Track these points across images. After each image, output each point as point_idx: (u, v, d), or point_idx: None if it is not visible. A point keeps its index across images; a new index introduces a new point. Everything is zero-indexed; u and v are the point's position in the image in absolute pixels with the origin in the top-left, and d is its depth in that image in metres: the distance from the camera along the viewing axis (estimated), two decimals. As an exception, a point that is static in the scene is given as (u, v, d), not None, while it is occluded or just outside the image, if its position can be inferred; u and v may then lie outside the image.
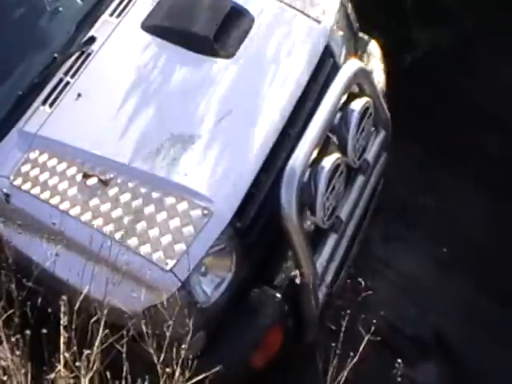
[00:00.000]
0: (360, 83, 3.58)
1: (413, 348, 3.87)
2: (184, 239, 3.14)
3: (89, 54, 3.62)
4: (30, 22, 3.65)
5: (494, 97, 4.52)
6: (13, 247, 3.29)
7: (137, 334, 2.92)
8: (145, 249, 3.14)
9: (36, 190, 3.36)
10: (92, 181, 3.31)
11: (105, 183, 3.31)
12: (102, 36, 3.65)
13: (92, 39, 3.64)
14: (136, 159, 3.33)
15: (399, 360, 2.98)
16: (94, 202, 3.27)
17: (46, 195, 3.33)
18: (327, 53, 3.66)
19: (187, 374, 2.74)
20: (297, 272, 3.34)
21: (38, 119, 3.50)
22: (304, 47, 3.60)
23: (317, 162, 3.37)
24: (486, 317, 3.99)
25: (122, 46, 3.62)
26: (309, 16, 3.66)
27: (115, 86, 3.52)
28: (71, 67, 3.59)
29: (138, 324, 2.97)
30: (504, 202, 4.25)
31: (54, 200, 3.31)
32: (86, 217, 3.24)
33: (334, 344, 2.91)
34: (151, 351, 2.78)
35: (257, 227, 3.32)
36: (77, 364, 2.67)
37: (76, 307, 2.89)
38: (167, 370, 2.72)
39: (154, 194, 3.23)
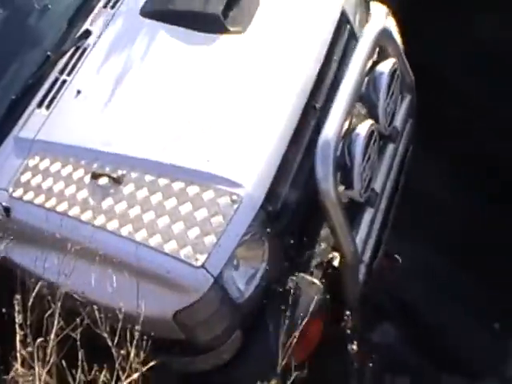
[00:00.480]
0: (383, 45, 3.27)
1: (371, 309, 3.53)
2: (213, 230, 2.74)
3: (85, 49, 3.26)
4: (19, 21, 3.32)
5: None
6: (15, 264, 2.93)
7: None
8: (170, 246, 2.74)
9: (40, 199, 2.96)
10: (103, 180, 2.92)
11: (117, 181, 2.93)
12: (98, 28, 3.30)
13: (87, 33, 3.29)
14: (151, 151, 2.94)
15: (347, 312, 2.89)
16: (108, 202, 2.87)
17: (52, 203, 2.93)
18: (343, 19, 3.33)
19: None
20: (334, 254, 2.97)
21: (35, 123, 3.12)
22: (319, 15, 3.26)
23: (349, 131, 3.05)
24: (445, 278, 3.84)
25: (122, 36, 3.26)
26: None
27: (118, 77, 3.14)
28: (67, 64, 3.23)
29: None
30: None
31: (62, 207, 2.92)
32: (100, 220, 2.84)
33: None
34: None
35: (288, 209, 2.95)
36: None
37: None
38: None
39: (175, 186, 2.84)
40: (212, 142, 2.94)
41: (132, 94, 3.11)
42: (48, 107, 3.15)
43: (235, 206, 2.79)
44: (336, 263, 2.96)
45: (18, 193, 3.01)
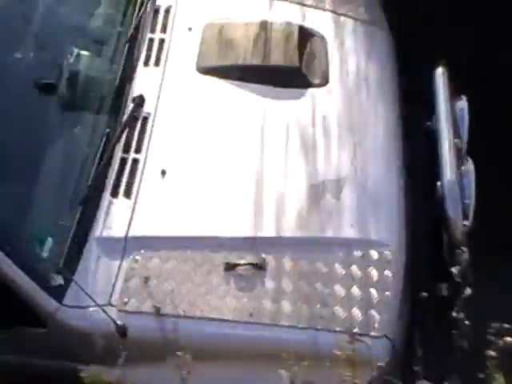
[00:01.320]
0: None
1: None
2: (380, 294, 2.49)
3: (145, 119, 2.78)
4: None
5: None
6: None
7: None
8: (341, 324, 2.44)
9: (165, 307, 2.47)
10: (243, 269, 2.53)
11: (260, 267, 2.54)
12: (151, 92, 2.85)
13: (141, 99, 2.82)
14: (282, 227, 2.60)
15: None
16: (253, 293, 2.48)
17: (177, 307, 2.45)
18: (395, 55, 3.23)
19: None
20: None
21: (120, 217, 2.60)
22: (380, 57, 3.10)
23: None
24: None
25: (185, 97, 2.83)
26: (363, 21, 3.18)
27: (202, 147, 2.72)
28: (129, 140, 2.74)
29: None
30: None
31: (195, 309, 2.47)
32: (260, 313, 2.43)
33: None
34: None
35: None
36: None
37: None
38: None
39: (322, 262, 2.52)
40: (347, 205, 2.65)
41: (228, 165, 2.70)
42: (128, 195, 2.64)
43: (389, 268, 2.57)
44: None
45: (132, 305, 2.47)
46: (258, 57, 2.91)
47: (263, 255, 2.54)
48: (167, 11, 3.13)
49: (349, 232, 2.61)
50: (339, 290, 2.52)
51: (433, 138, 2.98)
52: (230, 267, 2.51)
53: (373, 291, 2.52)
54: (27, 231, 2.55)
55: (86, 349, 2.50)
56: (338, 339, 2.39)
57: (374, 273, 2.56)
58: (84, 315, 2.49)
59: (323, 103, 2.87)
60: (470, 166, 2.97)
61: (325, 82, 2.92)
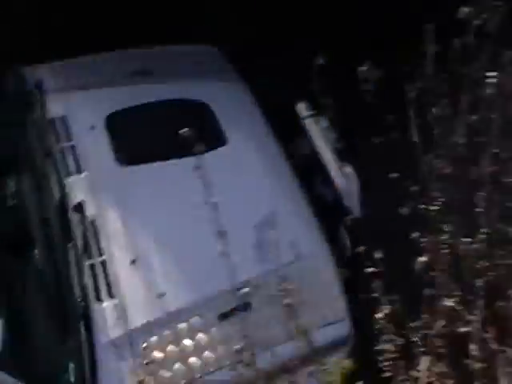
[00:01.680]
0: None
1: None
2: None
3: (93, 222, 3.09)
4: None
5: None
6: None
7: None
8: None
9: None
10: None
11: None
12: (88, 198, 3.11)
13: (80, 206, 3.07)
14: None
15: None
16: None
17: None
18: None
19: None
20: None
21: (113, 317, 2.91)
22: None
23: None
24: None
25: (120, 191, 3.13)
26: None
27: (152, 228, 3.07)
28: (86, 246, 3.03)
29: None
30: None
31: None
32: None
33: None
34: None
35: None
36: None
37: None
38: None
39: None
40: None
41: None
42: (111, 295, 2.96)
43: None
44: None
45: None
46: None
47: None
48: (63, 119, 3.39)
49: None
50: None
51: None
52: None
53: None
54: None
55: None
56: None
57: None
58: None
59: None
60: (349, 169, 3.40)
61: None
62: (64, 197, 3.11)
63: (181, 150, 3.09)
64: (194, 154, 3.06)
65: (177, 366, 2.89)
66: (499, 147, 2.79)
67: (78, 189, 3.16)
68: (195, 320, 2.93)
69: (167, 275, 2.99)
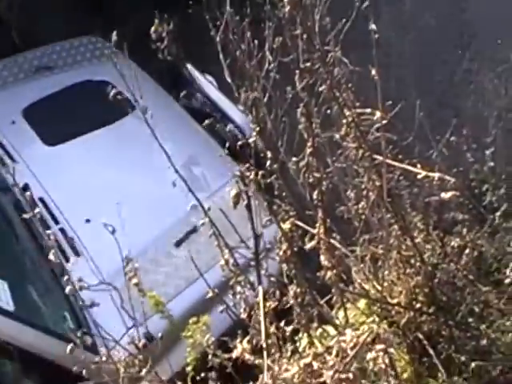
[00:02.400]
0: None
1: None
2: None
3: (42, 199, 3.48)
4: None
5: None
6: None
7: None
8: None
9: None
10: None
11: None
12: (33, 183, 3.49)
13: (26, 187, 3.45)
14: None
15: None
16: None
17: None
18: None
19: None
20: None
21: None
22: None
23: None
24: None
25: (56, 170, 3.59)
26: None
27: (95, 192, 3.51)
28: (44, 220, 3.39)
29: None
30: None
31: None
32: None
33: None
34: None
35: None
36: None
37: None
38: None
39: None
40: None
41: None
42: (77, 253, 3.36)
43: None
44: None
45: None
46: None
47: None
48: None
49: None
50: None
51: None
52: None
53: None
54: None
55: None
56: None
57: None
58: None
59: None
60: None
61: None
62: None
63: (99, 121, 3.65)
64: (111, 122, 3.62)
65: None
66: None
67: (19, 176, 3.44)
68: (158, 251, 3.39)
69: (123, 222, 3.38)
